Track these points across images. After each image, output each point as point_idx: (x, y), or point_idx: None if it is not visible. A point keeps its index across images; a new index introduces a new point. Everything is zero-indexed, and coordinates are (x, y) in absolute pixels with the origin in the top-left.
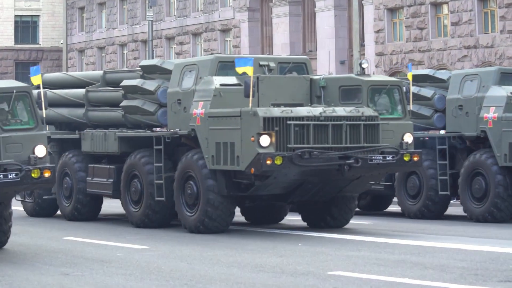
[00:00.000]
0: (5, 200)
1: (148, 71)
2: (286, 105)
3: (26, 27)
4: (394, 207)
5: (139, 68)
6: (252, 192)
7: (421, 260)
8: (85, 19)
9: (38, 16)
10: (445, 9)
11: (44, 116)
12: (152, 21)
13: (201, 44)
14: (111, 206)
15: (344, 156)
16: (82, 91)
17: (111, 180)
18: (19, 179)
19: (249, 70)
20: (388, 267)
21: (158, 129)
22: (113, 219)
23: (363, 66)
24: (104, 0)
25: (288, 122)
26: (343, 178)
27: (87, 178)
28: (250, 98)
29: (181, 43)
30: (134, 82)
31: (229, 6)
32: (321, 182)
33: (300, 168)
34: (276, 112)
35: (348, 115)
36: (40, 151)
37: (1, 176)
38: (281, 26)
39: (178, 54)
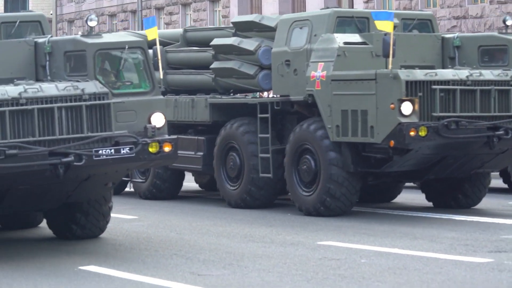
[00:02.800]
0: (116, 180)
1: (243, 28)
2: (418, 68)
3: None
4: None
5: (230, 26)
6: (385, 168)
7: (411, 230)
8: (75, 2)
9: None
10: None
11: (161, 77)
12: None
13: (190, 14)
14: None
15: (493, 127)
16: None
17: (201, 153)
18: (134, 155)
19: (388, 25)
20: (378, 237)
21: (250, 95)
22: (191, 197)
23: (507, 23)
24: None
25: (433, 86)
26: (489, 152)
27: None
28: (390, 58)
29: (171, 14)
30: (229, 41)
31: None
32: (464, 156)
33: (446, 141)
34: (419, 74)
35: (497, 79)
36: (158, 120)
37: (112, 151)
38: None
39: (167, 24)
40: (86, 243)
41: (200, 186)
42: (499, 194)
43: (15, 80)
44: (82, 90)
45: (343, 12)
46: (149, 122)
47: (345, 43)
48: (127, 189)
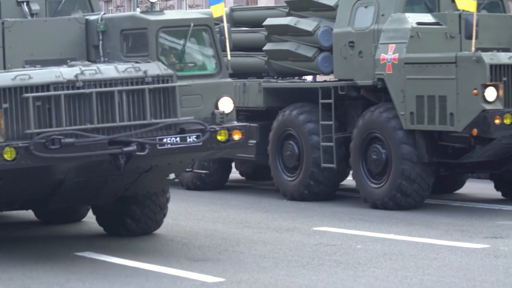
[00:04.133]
0: (179, 172)
1: (298, 7)
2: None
3: None
4: None
5: (282, 4)
6: (464, 158)
7: (406, 216)
8: None
9: None
10: None
11: (229, 58)
12: None
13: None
14: None
15: None
16: None
17: (253, 141)
18: (201, 143)
19: (472, 4)
20: (373, 222)
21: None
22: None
23: None
24: None
25: None
26: None
27: None
28: (473, 40)
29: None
30: (284, 21)
31: None
32: None
33: None
34: (504, 58)
35: None
36: (227, 105)
37: (178, 139)
38: None
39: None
40: (81, 229)
41: (241, 174)
42: None
43: (68, 60)
44: (145, 72)
45: None
46: (217, 108)
47: (418, 23)
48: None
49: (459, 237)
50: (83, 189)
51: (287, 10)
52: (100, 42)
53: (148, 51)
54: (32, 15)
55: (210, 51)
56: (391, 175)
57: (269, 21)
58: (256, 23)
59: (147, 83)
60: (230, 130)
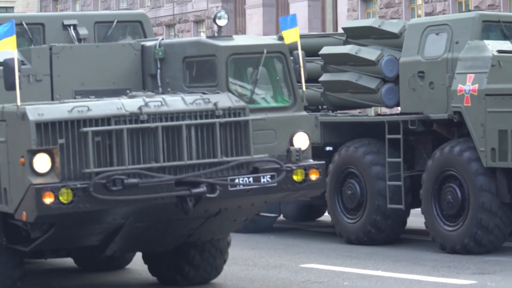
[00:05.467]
0: (248, 216)
1: (356, 35)
2: None
3: None
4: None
5: (339, 32)
6: None
7: (394, 252)
8: (59, 10)
9: (13, 7)
10: None
11: (305, 89)
12: None
13: (173, 36)
14: None
15: None
16: None
17: None
18: (276, 184)
19: None
20: (360, 259)
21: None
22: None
23: None
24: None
25: None
26: None
27: None
28: None
29: (155, 34)
30: (343, 50)
31: None
32: None
33: None
34: None
35: None
36: (302, 141)
37: (251, 179)
38: (254, 17)
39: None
40: (126, 278)
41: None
42: None
43: (127, 91)
44: (215, 104)
45: (489, 16)
46: (291, 144)
47: (499, 51)
48: None
49: (447, 273)
50: (143, 235)
51: (343, 38)
52: (158, 70)
53: (216, 81)
54: (79, 40)
55: (283, 81)
56: (470, 212)
57: (326, 50)
58: (309, 52)
59: (218, 117)
60: (307, 169)
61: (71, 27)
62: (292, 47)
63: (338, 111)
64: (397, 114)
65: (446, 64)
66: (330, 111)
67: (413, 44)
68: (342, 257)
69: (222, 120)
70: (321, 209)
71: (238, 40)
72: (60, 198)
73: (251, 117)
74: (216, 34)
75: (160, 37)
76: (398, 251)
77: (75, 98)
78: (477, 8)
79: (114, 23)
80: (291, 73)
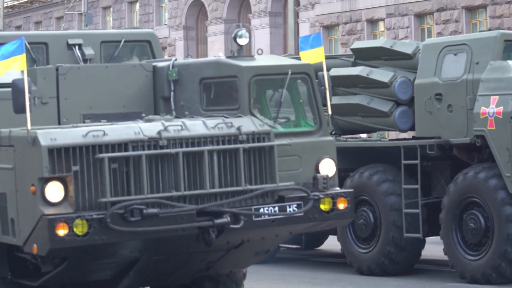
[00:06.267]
0: (271, 247)
1: (366, 56)
2: None
3: None
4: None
5: (347, 53)
6: None
7: (356, 278)
8: (63, 28)
9: None
10: (381, 26)
11: (330, 112)
12: None
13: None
14: None
15: None
16: None
17: None
18: (302, 214)
19: None
20: (323, 285)
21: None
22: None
23: None
24: (40, 19)
25: None
26: None
27: None
28: None
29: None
30: (354, 72)
31: (165, 24)
32: None
33: None
34: None
35: None
36: (329, 167)
37: (276, 209)
38: (216, 44)
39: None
40: None
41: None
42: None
43: (143, 114)
44: (238, 128)
45: (510, 35)
46: (317, 171)
47: None
48: None
49: None
50: (159, 269)
51: (352, 59)
52: (172, 93)
53: (237, 104)
54: (85, 60)
55: (308, 104)
56: (494, 242)
57: (334, 72)
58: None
59: (241, 142)
60: (334, 198)
61: (76, 47)
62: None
63: (347, 136)
64: (410, 138)
65: (466, 86)
66: (338, 135)
67: (429, 65)
68: (304, 283)
69: (246, 145)
70: (322, 238)
71: (261, 60)
72: (75, 229)
73: (276, 142)
74: (236, 54)
75: (174, 58)
76: (361, 276)
77: (84, 122)
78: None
79: (122, 42)
80: (317, 96)
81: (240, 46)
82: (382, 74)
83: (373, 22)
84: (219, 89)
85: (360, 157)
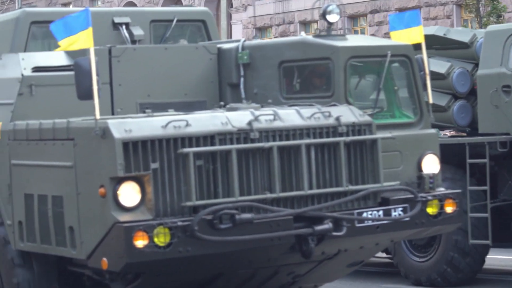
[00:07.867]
0: (366, 259)
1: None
2: None
3: None
4: None
5: None
6: None
7: None
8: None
9: None
10: (314, 27)
11: (431, 101)
12: None
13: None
14: None
15: None
16: None
17: None
18: (409, 219)
19: None
20: None
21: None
22: None
23: None
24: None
25: None
26: None
27: None
28: None
29: None
30: None
31: None
32: None
33: None
34: None
35: None
36: (432, 165)
37: (380, 213)
38: None
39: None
40: None
41: None
42: None
43: (215, 104)
44: (337, 118)
45: None
46: (420, 168)
47: None
48: None
49: None
50: (242, 285)
51: None
52: (242, 78)
53: (330, 90)
54: (133, 41)
55: (407, 92)
56: None
57: None
58: None
59: (341, 134)
60: (442, 200)
61: (123, 26)
62: None
63: None
64: (463, 136)
65: None
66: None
67: (494, 55)
68: None
69: (347, 138)
70: None
71: (355, 40)
72: (155, 240)
73: (380, 135)
74: (325, 33)
75: (243, 39)
76: None
77: (144, 112)
78: None
79: (174, 21)
80: (417, 82)
81: (331, 23)
82: (437, 65)
83: (306, 24)
84: (306, 73)
85: None
